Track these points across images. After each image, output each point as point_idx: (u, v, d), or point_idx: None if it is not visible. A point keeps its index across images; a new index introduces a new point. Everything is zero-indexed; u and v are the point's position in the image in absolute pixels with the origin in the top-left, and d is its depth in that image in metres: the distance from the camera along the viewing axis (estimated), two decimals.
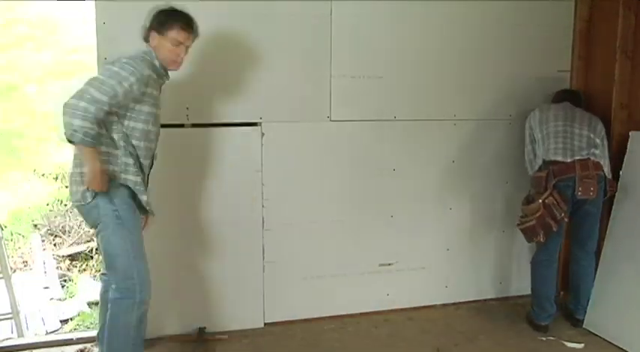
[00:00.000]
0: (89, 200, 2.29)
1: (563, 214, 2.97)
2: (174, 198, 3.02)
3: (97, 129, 2.19)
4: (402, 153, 3.40)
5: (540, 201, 2.97)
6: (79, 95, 2.14)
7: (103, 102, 2.17)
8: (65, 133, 2.14)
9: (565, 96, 3.33)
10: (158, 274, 2.79)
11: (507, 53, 3.50)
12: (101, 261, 2.67)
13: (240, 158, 3.11)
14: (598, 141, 3.07)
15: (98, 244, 2.44)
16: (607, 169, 3.11)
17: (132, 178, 2.36)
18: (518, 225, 3.15)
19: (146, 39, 2.44)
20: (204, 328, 3.09)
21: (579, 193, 2.97)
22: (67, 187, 2.46)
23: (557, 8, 3.55)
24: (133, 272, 2.34)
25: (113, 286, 2.39)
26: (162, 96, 2.96)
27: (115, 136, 2.31)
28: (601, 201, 3.11)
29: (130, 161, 2.34)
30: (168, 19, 2.39)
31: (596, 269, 3.26)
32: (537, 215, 2.99)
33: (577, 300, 3.32)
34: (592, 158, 3.01)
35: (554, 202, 2.94)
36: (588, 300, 3.28)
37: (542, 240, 3.03)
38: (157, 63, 2.41)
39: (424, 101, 3.39)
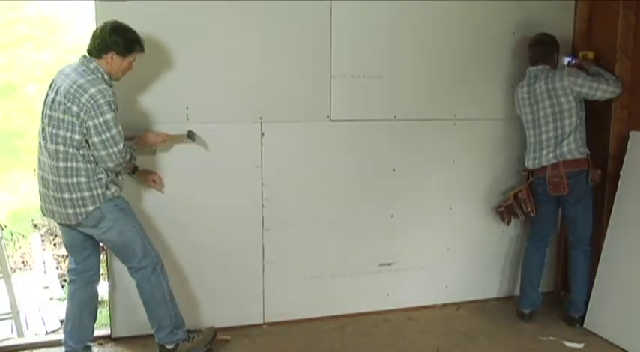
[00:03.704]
0: (91, 208, 2.52)
1: (529, 209, 3.35)
2: (174, 198, 3.03)
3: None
4: (402, 153, 3.40)
5: (513, 193, 3.43)
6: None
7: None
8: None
9: (536, 58, 3.27)
10: None
11: (508, 53, 3.50)
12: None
13: (240, 158, 3.11)
14: (567, 122, 3.13)
15: (103, 241, 2.70)
16: (600, 92, 3.11)
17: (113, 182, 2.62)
18: (496, 208, 3.57)
19: (99, 55, 2.54)
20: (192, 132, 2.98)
21: (551, 191, 3.21)
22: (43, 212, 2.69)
23: (557, 8, 3.55)
24: (148, 247, 2.71)
25: (137, 269, 2.70)
26: (162, 96, 2.98)
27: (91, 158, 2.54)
28: (581, 191, 3.18)
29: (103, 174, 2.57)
30: (134, 45, 2.58)
31: (595, 268, 3.26)
32: (506, 204, 3.47)
33: (569, 296, 3.36)
34: (562, 159, 3.15)
35: (524, 197, 3.36)
36: (583, 298, 3.28)
37: (507, 224, 3.56)
38: (107, 76, 2.56)
39: (424, 101, 3.39)
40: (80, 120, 2.44)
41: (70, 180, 2.49)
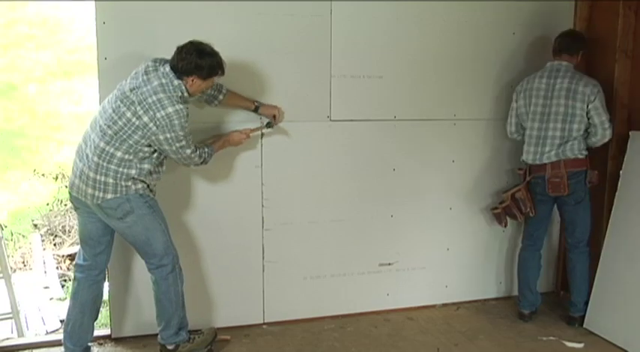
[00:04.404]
0: (109, 196, 2.56)
1: (529, 209, 3.30)
2: (174, 198, 3.02)
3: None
4: (402, 153, 3.40)
5: (510, 193, 3.36)
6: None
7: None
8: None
9: (560, 48, 3.21)
10: None
11: (507, 53, 3.50)
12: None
13: (240, 158, 3.11)
14: (575, 127, 3.11)
15: (126, 235, 2.71)
16: (600, 129, 3.09)
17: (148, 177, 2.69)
18: (492, 209, 3.51)
19: (181, 76, 2.58)
20: None
21: (550, 191, 3.19)
22: (69, 191, 2.68)
23: (557, 8, 3.55)
24: (170, 246, 2.76)
25: (157, 266, 2.73)
26: None
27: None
28: (581, 193, 3.18)
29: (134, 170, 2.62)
30: (216, 69, 2.63)
31: (595, 268, 3.26)
32: (504, 205, 3.40)
33: (569, 296, 3.36)
34: (563, 158, 3.14)
35: (522, 197, 3.30)
36: (583, 298, 3.28)
37: (504, 226, 3.49)
38: (187, 95, 2.63)
39: (424, 101, 3.39)
40: (147, 129, 2.53)
41: (101, 162, 2.54)
